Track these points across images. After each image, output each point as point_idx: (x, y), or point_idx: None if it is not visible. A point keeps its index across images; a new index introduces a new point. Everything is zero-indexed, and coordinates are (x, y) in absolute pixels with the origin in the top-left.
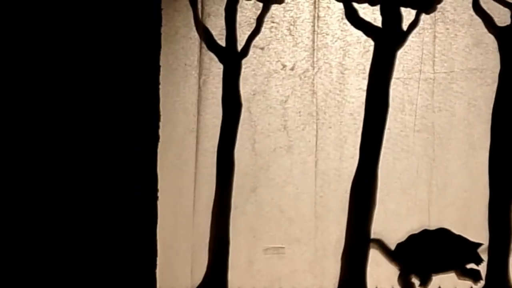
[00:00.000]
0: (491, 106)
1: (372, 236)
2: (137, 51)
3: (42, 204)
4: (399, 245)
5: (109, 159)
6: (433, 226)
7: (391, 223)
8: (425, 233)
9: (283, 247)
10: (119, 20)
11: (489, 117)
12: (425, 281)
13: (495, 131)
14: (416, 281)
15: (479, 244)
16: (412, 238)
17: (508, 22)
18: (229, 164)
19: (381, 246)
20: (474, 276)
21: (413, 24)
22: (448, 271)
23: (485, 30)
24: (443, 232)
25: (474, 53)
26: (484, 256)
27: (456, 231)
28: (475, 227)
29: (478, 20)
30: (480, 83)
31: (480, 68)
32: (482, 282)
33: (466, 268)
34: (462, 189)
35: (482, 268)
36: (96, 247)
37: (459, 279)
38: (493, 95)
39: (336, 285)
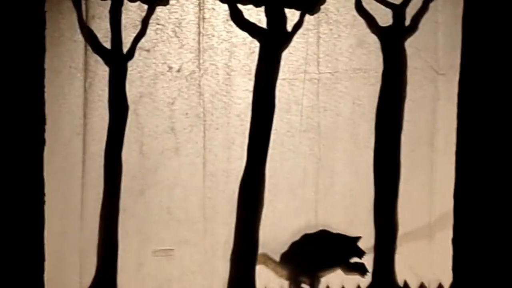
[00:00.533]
0: (375, 105)
1: (261, 238)
2: (21, 53)
3: None
4: (283, 255)
5: None
6: (320, 225)
7: (279, 223)
8: (306, 237)
9: (172, 249)
10: (1, 23)
11: (373, 116)
12: (314, 283)
13: (379, 130)
14: (306, 286)
15: (358, 238)
16: (294, 245)
17: (390, 22)
18: (117, 167)
19: (268, 259)
20: (360, 269)
21: (298, 25)
22: (334, 268)
23: (368, 30)
24: (322, 233)
25: (358, 53)
26: (370, 254)
27: (343, 229)
28: (361, 225)
29: (361, 21)
30: (364, 83)
31: (364, 68)
32: (369, 274)
33: (351, 263)
34: (348, 188)
35: (367, 261)
36: None
37: (346, 274)
38: (377, 95)
39: (226, 286)
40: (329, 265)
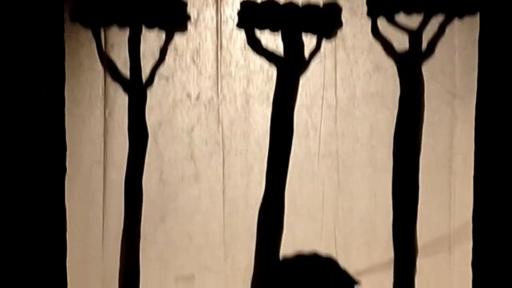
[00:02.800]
0: (393, 130)
1: None
2: (41, 84)
3: None
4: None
5: (16, 192)
6: (339, 250)
7: (299, 248)
8: (314, 257)
9: (193, 276)
10: (22, 55)
11: (391, 140)
12: None
13: (397, 154)
14: None
15: (355, 282)
16: (299, 257)
17: (407, 47)
18: (137, 195)
19: None
20: None
21: (315, 51)
22: None
23: (385, 55)
24: (329, 261)
25: (375, 78)
26: (390, 277)
27: (361, 253)
28: (380, 249)
29: (377, 46)
30: (381, 108)
31: (381, 92)
32: None
33: None
34: (367, 212)
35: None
36: (5, 284)
37: None
38: (394, 119)
39: None
40: None
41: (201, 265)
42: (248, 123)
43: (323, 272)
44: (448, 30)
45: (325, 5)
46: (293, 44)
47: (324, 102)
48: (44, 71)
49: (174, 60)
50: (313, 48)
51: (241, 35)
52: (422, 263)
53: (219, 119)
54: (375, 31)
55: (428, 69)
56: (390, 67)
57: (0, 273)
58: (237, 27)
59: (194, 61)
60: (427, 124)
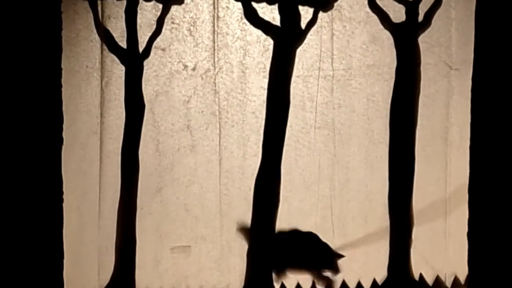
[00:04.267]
0: (389, 101)
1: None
2: (38, 54)
3: None
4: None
5: (12, 162)
6: (336, 220)
7: (295, 219)
8: (295, 232)
9: (189, 246)
10: (18, 24)
11: (387, 112)
12: (279, 273)
13: (394, 125)
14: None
15: (341, 256)
16: (281, 234)
17: (403, 19)
18: (134, 165)
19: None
20: (328, 284)
21: (311, 22)
22: (304, 272)
23: (381, 27)
24: (311, 236)
25: (371, 49)
26: (386, 247)
27: (358, 224)
28: (376, 220)
29: (374, 17)
30: (378, 79)
31: (377, 64)
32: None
33: (322, 275)
34: (363, 183)
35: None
36: (1, 250)
37: (315, 282)
38: (391, 91)
39: (243, 281)
40: (302, 267)
41: (197, 235)
42: (245, 94)
43: (307, 246)
44: (444, 2)
45: None
46: (289, 15)
47: (320, 73)
48: (41, 41)
49: (171, 31)
50: (310, 20)
51: (238, 6)
52: (418, 232)
53: (215, 90)
54: (372, 3)
55: (424, 40)
56: (386, 38)
57: None
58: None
59: (190, 32)
60: (423, 95)
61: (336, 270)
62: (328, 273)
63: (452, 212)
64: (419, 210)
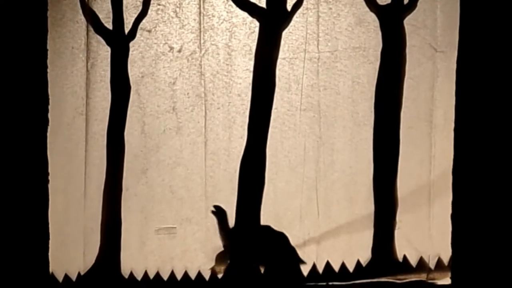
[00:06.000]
0: (374, 83)
1: (262, 215)
2: (23, 35)
3: None
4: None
5: None
6: (321, 203)
7: (281, 201)
8: (267, 229)
9: (175, 227)
10: (3, 4)
11: (373, 94)
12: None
13: (378, 107)
14: None
15: (304, 263)
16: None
17: (389, 1)
18: (119, 147)
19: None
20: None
21: (297, 4)
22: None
23: (367, 9)
24: (281, 236)
25: (357, 32)
26: (370, 229)
27: (343, 205)
28: (361, 202)
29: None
30: (363, 61)
31: (363, 46)
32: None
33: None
34: (348, 165)
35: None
36: None
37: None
38: (376, 73)
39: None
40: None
41: (183, 217)
42: (231, 76)
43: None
44: None
45: None
46: None
47: (306, 55)
48: (26, 22)
49: (157, 12)
50: (296, 2)
51: None
52: (402, 214)
53: (201, 72)
54: None
55: (410, 23)
56: (372, 21)
57: None
58: None
59: (177, 14)
60: (408, 77)
61: (297, 274)
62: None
63: (436, 194)
64: (403, 192)
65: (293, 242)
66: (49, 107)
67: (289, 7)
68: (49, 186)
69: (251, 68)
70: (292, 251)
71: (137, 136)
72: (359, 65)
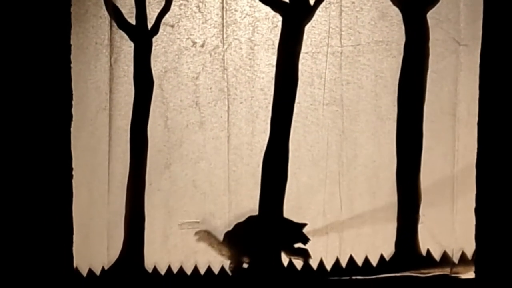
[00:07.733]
0: (397, 77)
1: (285, 209)
2: (47, 31)
3: None
4: (227, 233)
5: (22, 140)
6: (344, 197)
7: (303, 195)
8: (250, 219)
9: (198, 222)
10: (27, 1)
11: (396, 88)
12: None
13: (402, 101)
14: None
15: (304, 225)
16: (238, 225)
17: None
18: (143, 141)
19: (210, 237)
20: (303, 254)
21: None
22: (277, 251)
23: (390, 3)
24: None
25: (380, 26)
26: (394, 223)
27: (365, 200)
28: (384, 196)
29: None
30: (386, 55)
31: (386, 40)
32: (312, 259)
33: (294, 248)
34: (371, 160)
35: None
36: (11, 227)
37: (289, 258)
38: (399, 67)
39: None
40: (273, 249)
41: (206, 211)
42: (253, 71)
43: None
44: None
45: None
46: None
47: (329, 49)
48: (49, 17)
49: (180, 7)
50: None
51: None
52: (425, 208)
53: (224, 66)
54: None
55: (433, 16)
56: (395, 14)
57: (7, 218)
58: None
59: (199, 9)
60: (431, 71)
61: (305, 239)
62: (299, 245)
63: (460, 188)
64: (426, 186)
65: (315, 236)
66: (73, 102)
67: (311, 1)
68: (73, 181)
69: (274, 63)
70: (287, 221)
71: (160, 131)
72: (382, 59)
